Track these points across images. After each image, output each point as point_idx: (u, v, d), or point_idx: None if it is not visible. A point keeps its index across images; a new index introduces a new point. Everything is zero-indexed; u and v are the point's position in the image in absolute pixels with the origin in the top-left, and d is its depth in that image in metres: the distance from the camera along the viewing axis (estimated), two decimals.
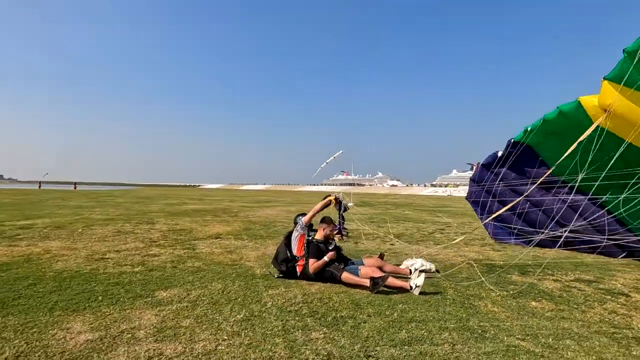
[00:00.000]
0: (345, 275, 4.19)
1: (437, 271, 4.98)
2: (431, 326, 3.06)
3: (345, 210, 4.81)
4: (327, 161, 29.26)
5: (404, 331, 2.93)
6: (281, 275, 4.58)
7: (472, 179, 8.26)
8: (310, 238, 4.64)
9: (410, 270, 4.45)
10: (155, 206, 17.68)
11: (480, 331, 2.98)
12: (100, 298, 3.60)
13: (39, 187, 57.34)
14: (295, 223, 4.78)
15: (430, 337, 2.83)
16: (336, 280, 4.28)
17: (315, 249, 4.50)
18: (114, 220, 10.79)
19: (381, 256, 5.08)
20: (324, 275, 4.37)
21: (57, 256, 5.52)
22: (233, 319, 3.12)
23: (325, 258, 4.35)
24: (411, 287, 4.04)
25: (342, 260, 4.59)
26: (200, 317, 3.15)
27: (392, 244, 7.48)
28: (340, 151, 28.68)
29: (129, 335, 2.76)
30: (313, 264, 4.35)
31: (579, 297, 4.03)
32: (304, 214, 4.83)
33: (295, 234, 4.69)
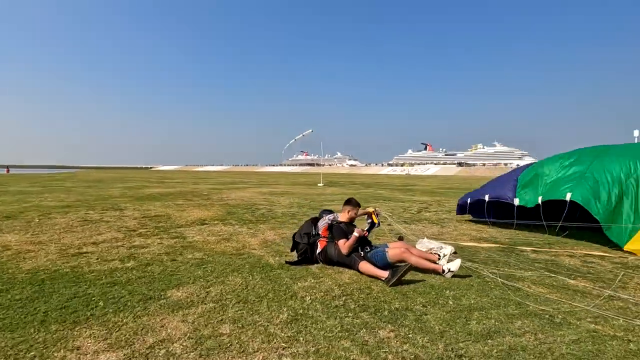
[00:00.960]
0: (363, 264, 3.88)
1: (455, 252, 4.86)
2: (495, 314, 2.84)
3: (377, 225, 4.53)
4: (296, 138, 28.63)
5: (473, 322, 2.68)
6: (298, 259, 4.30)
7: (460, 204, 8.43)
8: (332, 221, 4.34)
9: (438, 255, 4.24)
10: (114, 190, 16.10)
11: (547, 316, 2.81)
12: (101, 304, 2.95)
13: None
14: (320, 217, 4.59)
15: (505, 327, 2.60)
16: (353, 267, 3.98)
17: (339, 230, 4.19)
18: (73, 207, 9.56)
19: (400, 238, 4.84)
20: (344, 260, 4.05)
21: (21, 253, 4.62)
22: (278, 321, 2.68)
23: (355, 234, 4.03)
24: (443, 271, 3.87)
25: (367, 244, 4.28)
26: (238, 321, 2.66)
27: (389, 225, 7.30)
28: (310, 130, 28.07)
29: (164, 351, 2.22)
30: (345, 244, 4.01)
31: (606, 272, 4.06)
32: (329, 211, 4.73)
33: (322, 222, 4.40)
